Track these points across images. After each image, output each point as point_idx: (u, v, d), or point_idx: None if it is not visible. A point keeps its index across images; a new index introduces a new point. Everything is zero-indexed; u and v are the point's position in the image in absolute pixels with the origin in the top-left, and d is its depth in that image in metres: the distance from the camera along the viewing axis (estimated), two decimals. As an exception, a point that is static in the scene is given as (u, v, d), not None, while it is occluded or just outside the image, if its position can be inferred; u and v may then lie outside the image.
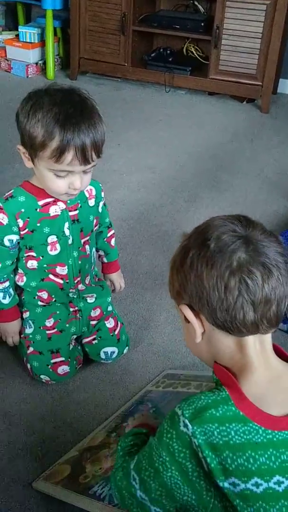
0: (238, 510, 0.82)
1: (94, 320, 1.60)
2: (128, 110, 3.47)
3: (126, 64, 3.73)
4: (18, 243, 1.47)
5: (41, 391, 1.53)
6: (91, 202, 1.53)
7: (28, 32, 3.94)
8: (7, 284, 1.51)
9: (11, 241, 1.45)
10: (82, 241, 1.51)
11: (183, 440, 0.83)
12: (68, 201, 1.45)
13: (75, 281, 1.54)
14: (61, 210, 1.45)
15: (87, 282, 1.59)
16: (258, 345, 0.88)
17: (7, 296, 1.52)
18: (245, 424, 0.82)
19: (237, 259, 0.82)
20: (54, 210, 1.44)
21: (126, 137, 3.09)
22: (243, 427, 0.82)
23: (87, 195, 1.51)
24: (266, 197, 2.58)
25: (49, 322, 1.54)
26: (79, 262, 1.52)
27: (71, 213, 1.47)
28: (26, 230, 1.44)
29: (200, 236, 0.87)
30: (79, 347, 1.61)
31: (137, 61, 3.76)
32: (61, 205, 1.45)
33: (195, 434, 0.81)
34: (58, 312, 1.55)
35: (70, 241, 1.48)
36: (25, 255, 1.48)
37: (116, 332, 1.62)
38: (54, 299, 1.55)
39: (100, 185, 1.56)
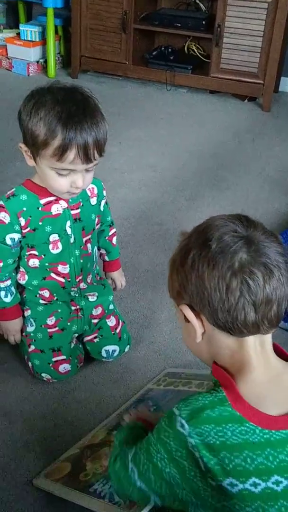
0: (237, 510, 0.82)
1: (95, 318, 1.60)
2: (129, 108, 3.47)
3: (127, 62, 3.73)
4: (20, 241, 1.47)
5: (42, 390, 1.53)
6: (93, 201, 1.52)
7: (29, 31, 3.94)
8: (9, 282, 1.51)
9: (13, 239, 1.45)
10: (84, 239, 1.51)
11: (180, 440, 0.84)
12: (70, 200, 1.45)
13: (77, 280, 1.54)
14: (63, 208, 1.45)
15: (89, 281, 1.59)
16: (258, 345, 0.88)
17: (9, 295, 1.52)
18: (242, 424, 0.82)
19: (239, 260, 0.82)
20: (56, 209, 1.44)
21: (127, 135, 3.09)
22: (240, 427, 0.82)
23: (89, 194, 1.51)
24: (268, 196, 2.58)
25: (51, 321, 1.54)
26: (81, 260, 1.52)
27: (73, 212, 1.47)
28: (28, 228, 1.44)
29: (201, 236, 0.87)
30: (80, 346, 1.61)
31: (138, 60, 3.76)
32: (63, 204, 1.45)
33: (191, 435, 0.82)
34: (59, 310, 1.55)
35: (72, 240, 1.48)
36: (27, 253, 1.48)
37: (118, 330, 1.62)
38: (55, 298, 1.55)
39: (102, 183, 1.56)
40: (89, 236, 1.53)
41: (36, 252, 1.48)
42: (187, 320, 0.91)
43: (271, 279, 0.83)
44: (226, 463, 0.81)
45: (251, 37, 3.35)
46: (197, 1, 3.71)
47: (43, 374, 1.52)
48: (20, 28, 4.00)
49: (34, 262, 1.49)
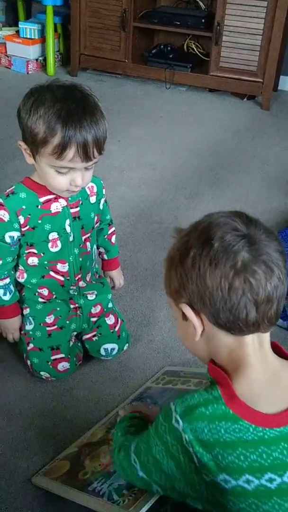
0: (231, 506, 0.83)
1: (94, 317, 1.60)
2: (129, 106, 3.46)
3: (126, 60, 3.73)
4: (19, 239, 1.47)
5: (41, 388, 1.53)
6: (92, 199, 1.52)
7: (29, 28, 3.93)
8: (7, 280, 1.51)
9: (12, 237, 1.45)
10: (83, 238, 1.51)
11: (175, 435, 0.85)
12: (69, 198, 1.45)
13: (76, 278, 1.54)
14: (62, 207, 1.45)
15: (88, 279, 1.59)
16: (257, 344, 0.89)
17: (8, 293, 1.52)
18: (235, 422, 0.83)
19: (242, 259, 0.82)
20: (55, 207, 1.44)
21: (127, 133, 3.09)
22: (233, 425, 0.83)
23: (88, 192, 1.51)
24: (267, 194, 2.58)
25: (50, 319, 1.54)
26: (80, 259, 1.52)
27: (72, 210, 1.47)
28: (27, 227, 1.44)
29: (202, 234, 0.87)
30: (79, 344, 1.61)
31: (138, 58, 3.76)
32: (62, 202, 1.44)
33: (185, 430, 0.84)
34: (58, 308, 1.55)
35: (71, 238, 1.48)
36: (26, 251, 1.48)
37: (117, 328, 1.62)
38: (54, 296, 1.55)
39: (101, 181, 1.56)
40: (88, 235, 1.53)
41: (35, 250, 1.47)
42: (185, 318, 0.91)
43: (272, 278, 0.83)
44: (220, 459, 0.82)
45: (251, 36, 3.35)
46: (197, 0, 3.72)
47: (42, 373, 1.52)
48: (19, 26, 3.99)
49: (33, 260, 1.49)
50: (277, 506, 0.82)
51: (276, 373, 0.89)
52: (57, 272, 1.51)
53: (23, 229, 1.44)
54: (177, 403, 0.87)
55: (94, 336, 1.60)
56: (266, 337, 0.90)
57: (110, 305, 1.63)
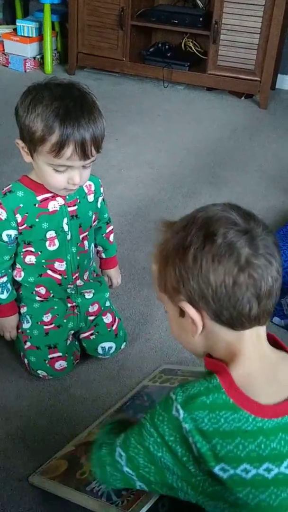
0: (228, 495, 0.83)
1: (92, 315, 1.60)
2: (126, 105, 3.46)
3: (124, 59, 3.72)
4: (16, 238, 1.46)
5: (38, 386, 1.53)
6: (90, 198, 1.52)
7: (26, 26, 3.92)
8: (5, 279, 1.50)
9: (9, 236, 1.44)
10: (81, 236, 1.51)
11: (174, 425, 0.84)
12: (67, 197, 1.45)
13: (73, 277, 1.54)
14: (60, 205, 1.45)
15: (85, 278, 1.59)
16: (255, 336, 0.89)
17: (5, 291, 1.51)
18: (235, 412, 0.83)
19: (245, 255, 0.82)
20: (53, 206, 1.44)
21: (124, 132, 3.09)
22: (233, 414, 0.83)
23: (86, 191, 1.51)
24: (265, 193, 2.58)
25: (47, 317, 1.54)
26: (78, 257, 1.52)
27: (70, 209, 1.46)
28: (25, 225, 1.43)
29: (202, 230, 0.85)
30: (76, 343, 1.61)
31: (136, 56, 3.75)
32: (60, 201, 1.44)
33: (185, 420, 0.83)
34: (55, 307, 1.55)
35: (68, 237, 1.48)
36: (23, 250, 1.48)
37: (114, 327, 1.62)
38: (52, 295, 1.54)
39: (99, 180, 1.55)
40: (86, 233, 1.53)
41: (32, 249, 1.47)
42: (181, 315, 0.90)
43: (271, 271, 0.84)
44: (218, 449, 0.82)
45: (248, 34, 3.35)
46: (195, -2, 3.71)
47: (39, 371, 1.52)
48: (17, 24, 3.98)
49: (30, 259, 1.49)
50: (273, 496, 0.83)
51: (272, 364, 0.90)
52: (54, 270, 1.50)
53: (20, 228, 1.44)
54: (177, 392, 0.86)
55: (91, 334, 1.60)
56: (263, 329, 0.90)
57: (107, 303, 1.63)
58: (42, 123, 1.26)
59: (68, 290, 1.55)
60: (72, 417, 1.45)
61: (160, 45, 3.76)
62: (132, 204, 2.42)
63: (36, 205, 1.43)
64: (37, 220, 1.43)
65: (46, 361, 1.51)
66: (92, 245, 1.60)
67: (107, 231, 1.66)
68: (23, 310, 1.56)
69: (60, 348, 1.53)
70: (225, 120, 3.35)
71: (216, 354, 0.91)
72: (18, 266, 1.52)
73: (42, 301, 1.55)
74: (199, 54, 3.75)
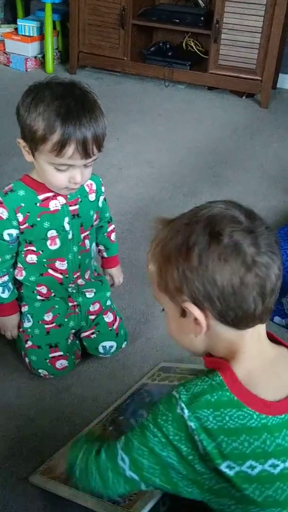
0: (234, 492, 0.84)
1: (92, 314, 1.60)
2: (127, 104, 3.46)
3: (125, 58, 3.72)
4: (18, 237, 1.46)
5: (39, 385, 1.53)
6: (92, 197, 1.52)
7: (27, 26, 3.92)
8: (6, 278, 1.50)
9: (10, 235, 1.44)
10: (82, 236, 1.51)
11: (179, 423, 0.84)
12: (68, 196, 1.45)
13: (75, 276, 1.54)
14: (61, 204, 1.45)
15: (86, 277, 1.59)
16: (256, 334, 0.89)
17: (6, 290, 1.51)
18: (240, 409, 0.83)
19: (251, 254, 0.82)
20: (54, 205, 1.44)
21: (125, 131, 3.08)
22: (238, 412, 0.83)
23: (87, 190, 1.51)
24: (265, 192, 2.58)
25: (48, 317, 1.54)
26: (79, 257, 1.52)
27: (71, 208, 1.46)
28: (26, 224, 1.43)
29: (206, 229, 0.84)
30: (77, 342, 1.61)
31: (137, 56, 3.75)
32: (61, 200, 1.44)
33: (190, 419, 0.83)
34: (57, 306, 1.55)
35: (70, 236, 1.48)
36: (25, 249, 1.48)
37: (115, 326, 1.62)
38: (53, 294, 1.54)
39: (101, 179, 1.55)
40: (87, 232, 1.53)
41: (34, 248, 1.47)
42: (183, 315, 0.89)
43: (275, 269, 0.84)
44: (224, 447, 0.82)
45: (250, 33, 3.34)
46: (196, -3, 3.71)
47: (40, 370, 1.52)
48: (18, 23, 3.98)
49: (31, 258, 1.49)
50: (280, 491, 0.84)
51: (273, 361, 0.90)
52: (55, 270, 1.50)
53: (21, 227, 1.44)
54: (181, 391, 0.85)
55: (92, 333, 1.60)
56: (263, 326, 0.90)
57: (108, 302, 1.63)
58: (44, 122, 1.26)
59: (69, 289, 1.55)
60: (73, 416, 1.45)
61: (161, 44, 3.76)
62: (132, 203, 2.42)
63: (38, 204, 1.43)
64: (38, 219, 1.43)
65: (47, 360, 1.51)
66: (93, 244, 1.60)
67: (109, 230, 1.66)
68: (24, 309, 1.56)
69: (61, 347, 1.53)
70: (226, 120, 3.35)
71: (217, 353, 0.91)
72: (19, 265, 1.52)
73: (43, 300, 1.55)
74: (200, 53, 3.74)
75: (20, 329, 1.57)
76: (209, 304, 0.84)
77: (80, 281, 1.56)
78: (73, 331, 1.59)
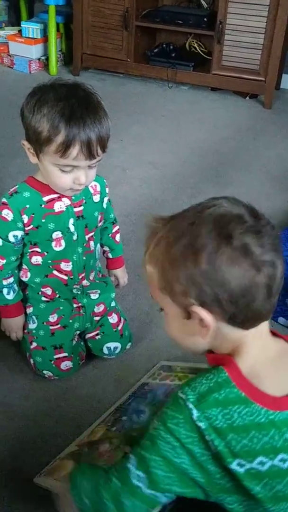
0: (246, 489, 0.84)
1: (97, 316, 1.60)
2: (131, 105, 3.46)
3: (128, 59, 3.73)
4: (23, 239, 1.47)
5: (44, 387, 1.53)
6: (96, 198, 1.52)
7: (31, 28, 3.93)
8: (11, 280, 1.51)
9: (15, 237, 1.45)
10: (87, 237, 1.51)
11: (190, 425, 0.83)
12: (73, 197, 1.45)
13: (80, 277, 1.54)
14: (66, 206, 1.45)
15: (91, 278, 1.59)
16: (259, 330, 0.89)
17: (12, 292, 1.52)
18: (248, 406, 0.83)
19: (259, 255, 0.81)
20: (59, 206, 1.44)
21: (129, 132, 3.09)
22: (246, 408, 0.83)
23: (92, 191, 1.51)
24: (269, 193, 2.57)
25: (53, 318, 1.55)
26: (84, 258, 1.52)
27: (76, 209, 1.47)
28: (31, 226, 1.44)
29: (215, 230, 0.82)
30: (82, 343, 1.61)
31: (140, 57, 3.76)
32: (66, 201, 1.44)
33: (200, 419, 0.82)
34: (61, 307, 1.55)
35: (75, 237, 1.48)
36: (30, 250, 1.48)
37: (119, 327, 1.62)
38: (58, 295, 1.55)
39: (105, 180, 1.56)
40: (92, 234, 1.53)
41: (38, 249, 1.48)
42: (187, 318, 0.88)
43: (279, 268, 0.84)
44: (233, 445, 0.82)
45: (253, 34, 3.35)
46: (199, -2, 3.71)
47: (44, 371, 1.52)
48: (22, 25, 3.99)
49: (36, 259, 1.49)
50: None
51: (276, 356, 0.90)
52: (60, 271, 1.51)
53: (26, 228, 1.44)
54: (187, 392, 0.84)
55: (97, 335, 1.61)
56: (266, 322, 0.90)
57: (113, 304, 1.64)
58: (48, 123, 1.27)
59: (74, 291, 1.55)
60: (78, 417, 1.45)
61: (164, 45, 3.76)
62: (136, 204, 2.42)
63: (42, 206, 1.43)
64: (43, 220, 1.43)
65: (52, 362, 1.52)
66: (98, 245, 1.60)
67: (113, 231, 1.66)
68: (29, 310, 1.57)
69: (65, 348, 1.53)
70: (229, 120, 3.35)
71: (220, 351, 0.90)
72: (24, 266, 1.52)
73: (48, 301, 1.55)
74: (203, 54, 3.75)
75: (25, 330, 1.57)
76: (218, 306, 0.83)
77: (85, 282, 1.57)
78: (78, 332, 1.59)
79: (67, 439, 1.38)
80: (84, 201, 1.48)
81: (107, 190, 1.56)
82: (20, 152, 1.43)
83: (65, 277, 1.52)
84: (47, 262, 1.49)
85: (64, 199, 1.44)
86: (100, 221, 1.56)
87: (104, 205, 1.56)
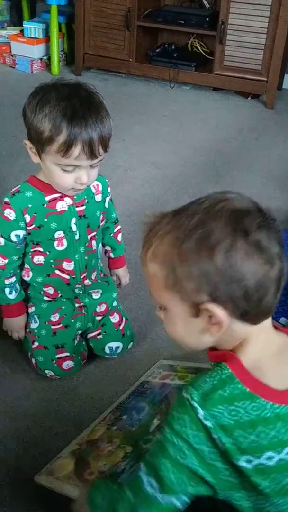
0: (254, 484, 0.84)
1: (99, 315, 1.60)
2: (133, 105, 3.47)
3: (130, 59, 3.73)
4: (25, 238, 1.47)
5: (45, 386, 1.53)
6: (98, 198, 1.52)
7: (33, 28, 3.93)
8: (13, 279, 1.51)
9: (18, 236, 1.45)
10: (89, 236, 1.51)
11: (197, 425, 0.82)
12: (75, 197, 1.45)
13: (81, 277, 1.54)
14: (68, 205, 1.45)
15: (93, 278, 1.59)
16: (263, 325, 0.88)
17: (14, 291, 1.52)
18: (253, 401, 0.83)
19: (271, 249, 0.81)
20: (61, 206, 1.44)
21: (131, 132, 3.09)
22: (251, 403, 0.82)
23: (94, 191, 1.51)
24: (271, 193, 2.57)
25: (55, 317, 1.55)
26: (86, 257, 1.52)
27: (78, 209, 1.47)
28: (33, 225, 1.44)
29: (230, 225, 0.80)
30: (83, 343, 1.61)
31: (142, 57, 3.76)
32: (68, 201, 1.45)
33: (206, 417, 0.81)
34: (63, 307, 1.56)
35: (77, 237, 1.48)
36: (32, 250, 1.48)
37: (121, 327, 1.62)
38: (60, 295, 1.55)
39: (106, 180, 1.56)
40: (94, 233, 1.53)
41: (41, 249, 1.48)
42: (195, 315, 0.85)
43: (285, 261, 0.84)
44: (241, 441, 0.82)
45: (255, 34, 3.35)
46: (201, -2, 3.71)
47: (46, 371, 1.52)
48: (24, 25, 3.99)
49: (38, 259, 1.49)
50: None
51: (279, 350, 0.89)
52: (62, 270, 1.51)
53: (29, 228, 1.44)
54: (191, 392, 0.83)
55: (98, 334, 1.61)
56: (269, 317, 0.90)
57: (114, 303, 1.64)
58: (50, 123, 1.27)
59: (76, 290, 1.55)
60: (80, 416, 1.45)
61: (166, 45, 3.76)
62: (138, 204, 2.42)
63: (45, 205, 1.43)
64: (45, 220, 1.44)
65: (54, 361, 1.52)
66: (100, 245, 1.60)
67: (115, 230, 1.67)
68: (31, 310, 1.57)
69: (67, 348, 1.53)
70: (231, 120, 3.35)
71: (223, 347, 0.89)
72: (26, 266, 1.53)
73: (50, 301, 1.56)
74: (205, 55, 3.75)
75: (27, 330, 1.57)
76: (231, 303, 0.81)
77: (86, 282, 1.57)
78: (80, 332, 1.59)
79: (68, 438, 1.37)
80: (86, 200, 1.48)
81: (109, 189, 1.56)
82: (22, 151, 1.43)
83: (67, 277, 1.52)
84: (49, 261, 1.49)
85: (66, 198, 1.44)
86: (102, 220, 1.56)
87: (106, 205, 1.57)
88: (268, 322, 0.90)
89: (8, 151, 2.73)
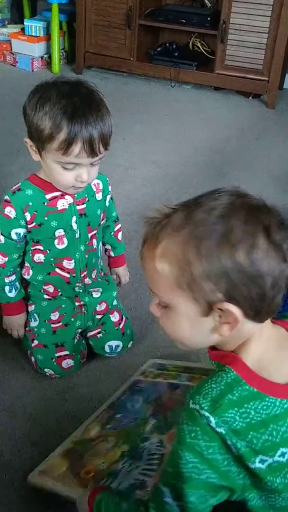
0: (268, 483, 0.84)
1: (99, 314, 1.60)
2: (134, 104, 3.46)
3: (131, 58, 3.72)
4: (25, 236, 1.47)
5: (45, 385, 1.53)
6: (99, 196, 1.52)
7: (34, 26, 3.92)
8: (13, 277, 1.51)
9: (18, 234, 1.45)
10: (89, 235, 1.51)
11: (210, 435, 0.81)
12: (76, 195, 1.45)
13: (82, 275, 1.54)
14: (69, 204, 1.45)
15: (93, 276, 1.59)
16: (264, 323, 0.87)
17: (14, 290, 1.52)
18: (262, 400, 0.82)
19: (285, 247, 0.80)
20: (62, 204, 1.44)
21: (131, 131, 3.09)
22: (261, 403, 0.82)
23: (94, 189, 1.51)
24: (272, 193, 2.57)
25: (54, 316, 1.55)
26: (86, 256, 1.52)
27: (78, 207, 1.46)
28: (34, 223, 1.44)
29: (251, 224, 0.79)
30: (83, 341, 1.61)
31: (143, 56, 3.75)
32: (69, 199, 1.44)
33: (218, 424, 0.80)
34: (63, 306, 1.55)
35: (77, 235, 1.48)
36: (32, 248, 1.48)
37: (121, 326, 1.62)
38: (60, 293, 1.55)
39: (107, 178, 1.56)
40: (95, 232, 1.53)
41: (41, 247, 1.47)
42: (205, 315, 0.83)
43: None
44: (255, 443, 0.81)
45: (256, 34, 3.34)
46: (202, -3, 3.71)
47: (46, 369, 1.52)
48: (25, 23, 3.98)
49: (39, 257, 1.49)
50: None
51: (278, 344, 0.89)
52: (63, 269, 1.51)
53: (29, 226, 1.44)
54: (199, 401, 0.81)
55: (98, 333, 1.60)
56: None
57: (114, 302, 1.63)
58: (50, 121, 1.27)
59: (76, 289, 1.55)
60: (79, 415, 1.44)
61: (167, 44, 3.76)
62: (139, 203, 2.42)
63: (45, 204, 1.43)
64: (46, 218, 1.43)
65: (53, 360, 1.52)
66: (100, 243, 1.60)
67: (115, 229, 1.66)
68: (31, 308, 1.57)
69: (67, 346, 1.53)
70: (232, 120, 3.35)
71: (226, 347, 0.88)
72: (26, 264, 1.52)
73: (50, 299, 1.55)
74: (206, 54, 3.74)
75: (27, 328, 1.57)
76: (247, 302, 0.80)
77: (87, 280, 1.56)
78: (80, 330, 1.59)
79: (67, 437, 1.37)
80: (86, 199, 1.48)
81: (109, 188, 1.56)
82: (23, 149, 1.43)
83: (67, 275, 1.51)
84: (49, 260, 1.49)
85: (67, 197, 1.44)
86: (103, 219, 1.56)
87: (107, 203, 1.56)
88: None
89: (8, 149, 2.73)
